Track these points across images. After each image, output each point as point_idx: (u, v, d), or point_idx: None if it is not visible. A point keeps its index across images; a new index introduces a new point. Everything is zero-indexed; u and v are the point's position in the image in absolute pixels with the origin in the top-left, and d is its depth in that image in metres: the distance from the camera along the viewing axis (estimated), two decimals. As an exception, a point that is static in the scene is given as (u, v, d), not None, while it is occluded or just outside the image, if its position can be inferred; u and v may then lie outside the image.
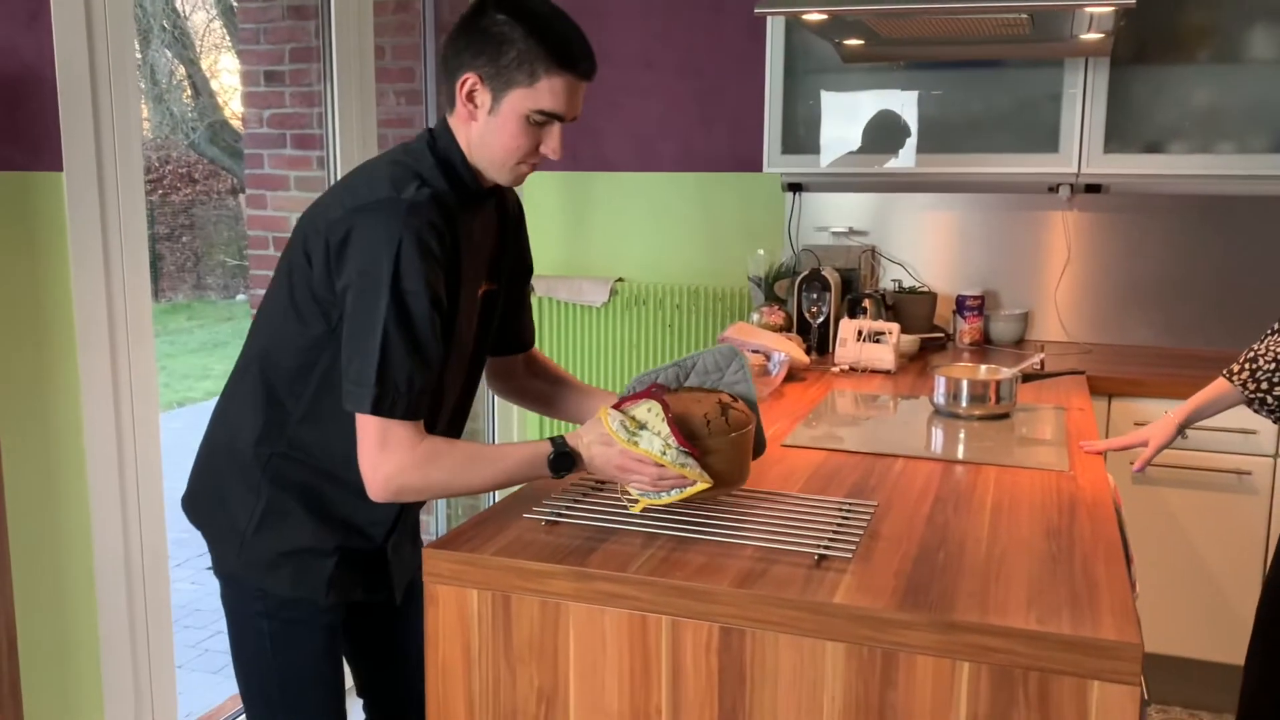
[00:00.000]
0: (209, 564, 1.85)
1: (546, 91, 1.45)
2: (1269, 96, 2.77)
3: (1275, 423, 1.83)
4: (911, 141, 3.05)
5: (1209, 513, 2.63)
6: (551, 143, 1.50)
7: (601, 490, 1.63)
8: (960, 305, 3.08)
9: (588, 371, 3.61)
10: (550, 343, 3.64)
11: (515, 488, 1.58)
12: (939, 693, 1.21)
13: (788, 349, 2.47)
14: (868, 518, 1.51)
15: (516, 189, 1.78)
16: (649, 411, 1.44)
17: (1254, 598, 2.62)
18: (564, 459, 1.46)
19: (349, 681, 1.75)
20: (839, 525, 1.47)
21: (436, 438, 1.43)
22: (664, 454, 1.40)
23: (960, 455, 1.87)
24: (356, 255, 1.40)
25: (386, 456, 1.40)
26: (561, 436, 1.49)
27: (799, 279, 2.91)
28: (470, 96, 1.47)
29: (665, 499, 1.44)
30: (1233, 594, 2.64)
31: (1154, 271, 3.07)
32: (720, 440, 1.42)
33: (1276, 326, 1.82)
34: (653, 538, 1.44)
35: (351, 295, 1.41)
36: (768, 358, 2.45)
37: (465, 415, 1.68)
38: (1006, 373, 2.20)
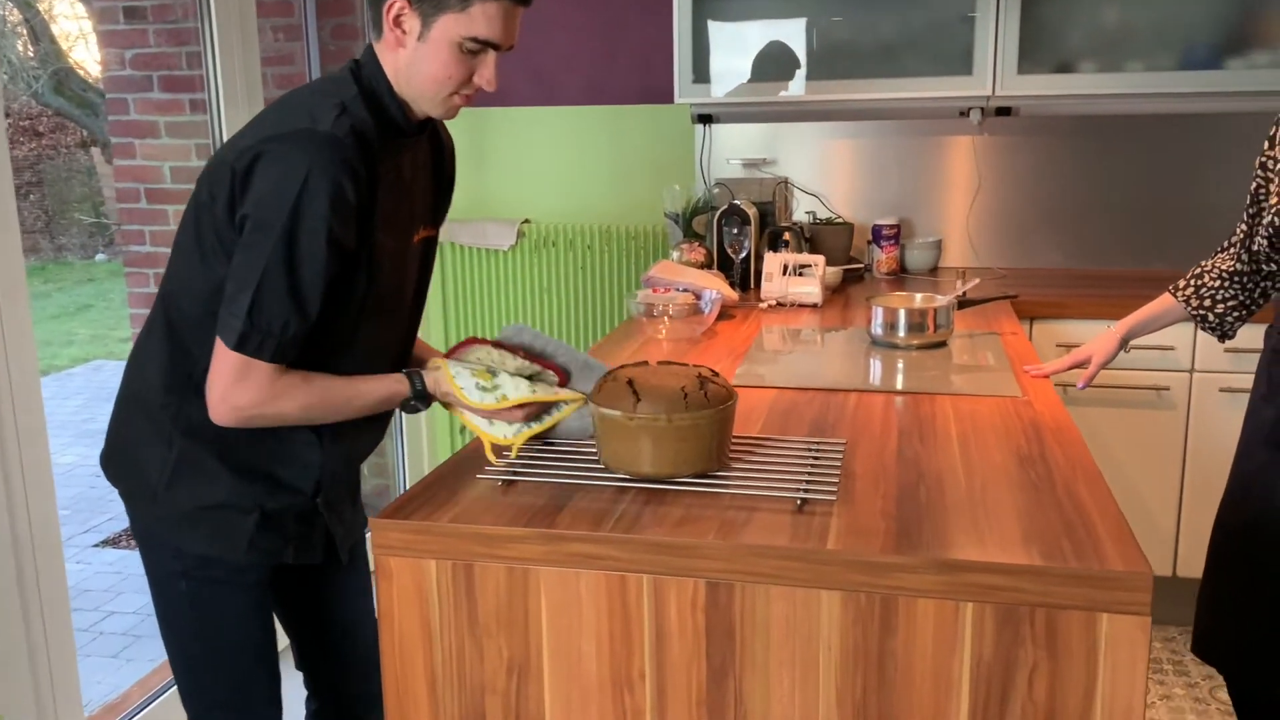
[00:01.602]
0: (97, 540, 1.70)
1: (480, 17, 1.31)
2: (1176, 15, 2.79)
3: (1220, 340, 1.83)
4: (823, 67, 2.97)
5: (1129, 430, 2.67)
6: (486, 73, 1.37)
7: (556, 442, 1.52)
8: (876, 235, 3.05)
9: (498, 319, 3.47)
10: (455, 291, 3.48)
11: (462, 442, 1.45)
12: (941, 636, 1.15)
13: (718, 286, 2.39)
14: (839, 457, 1.44)
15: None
16: (489, 355, 1.48)
17: (1173, 511, 2.69)
18: (421, 401, 1.45)
19: (285, 647, 1.62)
20: (812, 466, 1.40)
21: (294, 372, 1.36)
22: (533, 390, 1.43)
23: (912, 386, 1.82)
24: (259, 184, 1.29)
25: (241, 390, 1.32)
26: (420, 377, 1.45)
27: (718, 214, 2.82)
28: (397, 21, 1.32)
29: (540, 426, 1.48)
30: (1154, 507, 2.70)
31: (1064, 194, 3.09)
32: (699, 416, 1.32)
33: (1226, 244, 1.81)
34: (622, 492, 1.34)
35: (249, 225, 1.30)
36: (698, 296, 2.37)
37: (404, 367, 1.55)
38: (942, 300, 2.17)
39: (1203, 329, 1.83)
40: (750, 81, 3.00)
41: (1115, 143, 3.03)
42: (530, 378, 1.48)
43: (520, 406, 1.44)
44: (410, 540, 1.28)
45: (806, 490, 1.32)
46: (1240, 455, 1.74)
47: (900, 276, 3.06)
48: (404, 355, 1.57)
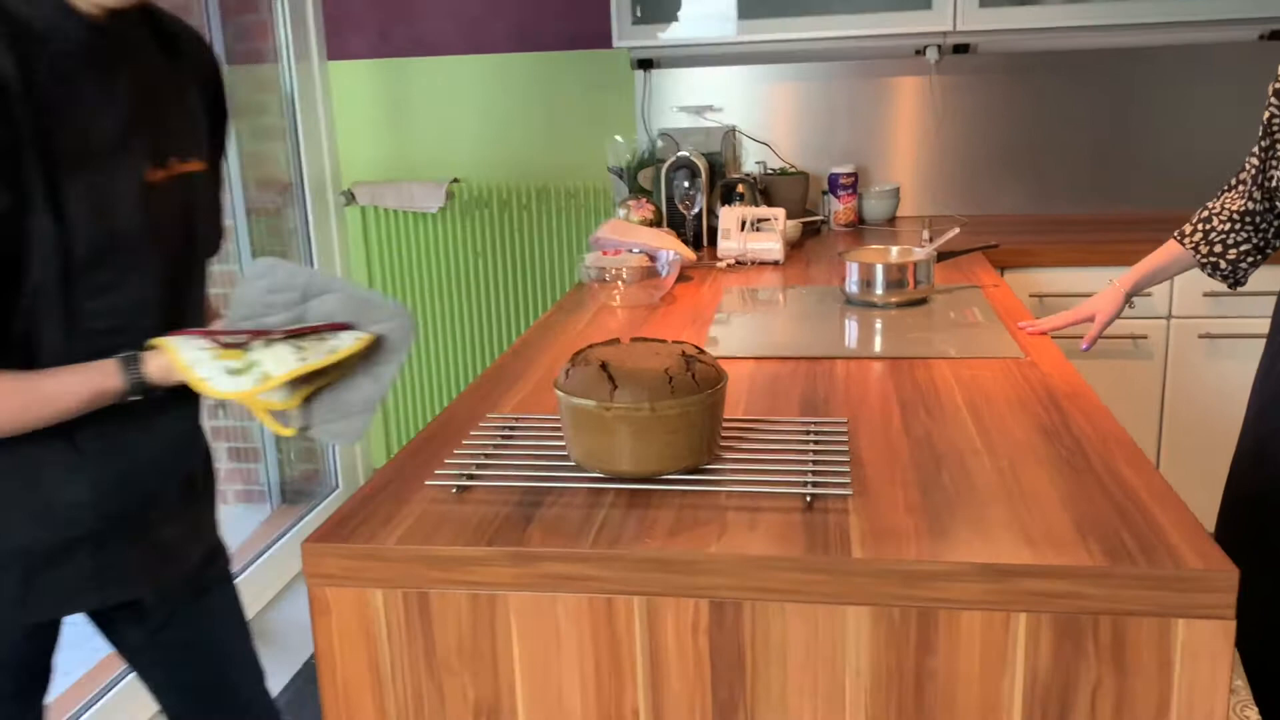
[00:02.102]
0: None
1: None
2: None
3: (1231, 287, 1.69)
4: (769, 4, 2.76)
5: (1104, 380, 2.55)
6: None
7: (515, 435, 1.32)
8: (833, 184, 2.87)
9: (429, 287, 3.22)
10: (382, 259, 3.23)
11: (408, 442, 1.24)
12: (990, 653, 0.98)
13: (674, 246, 2.19)
14: (844, 439, 1.26)
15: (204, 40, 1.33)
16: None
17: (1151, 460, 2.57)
18: (143, 395, 1.16)
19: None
20: (815, 453, 1.22)
21: None
22: (302, 357, 1.14)
23: (904, 350, 1.64)
24: None
25: None
26: (136, 365, 1.15)
27: (665, 167, 2.61)
28: None
29: (315, 363, 1.15)
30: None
31: (1026, 136, 2.94)
32: (688, 403, 1.12)
33: (1233, 182, 1.66)
34: (599, 494, 1.15)
35: None
36: (652, 258, 2.16)
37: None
38: (921, 253, 2.00)
39: (1213, 277, 1.69)
40: (693, 22, 2.77)
41: (1079, 79, 2.89)
42: (294, 335, 1.17)
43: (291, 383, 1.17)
44: (351, 567, 1.07)
45: (814, 483, 1.13)
46: (1255, 417, 1.60)
47: (858, 228, 2.89)
48: (176, 325, 1.24)
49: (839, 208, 2.86)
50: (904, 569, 0.98)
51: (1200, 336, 2.46)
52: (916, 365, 1.58)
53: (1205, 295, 2.44)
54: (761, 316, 1.92)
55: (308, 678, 2.40)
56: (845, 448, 1.23)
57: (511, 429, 1.35)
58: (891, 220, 2.93)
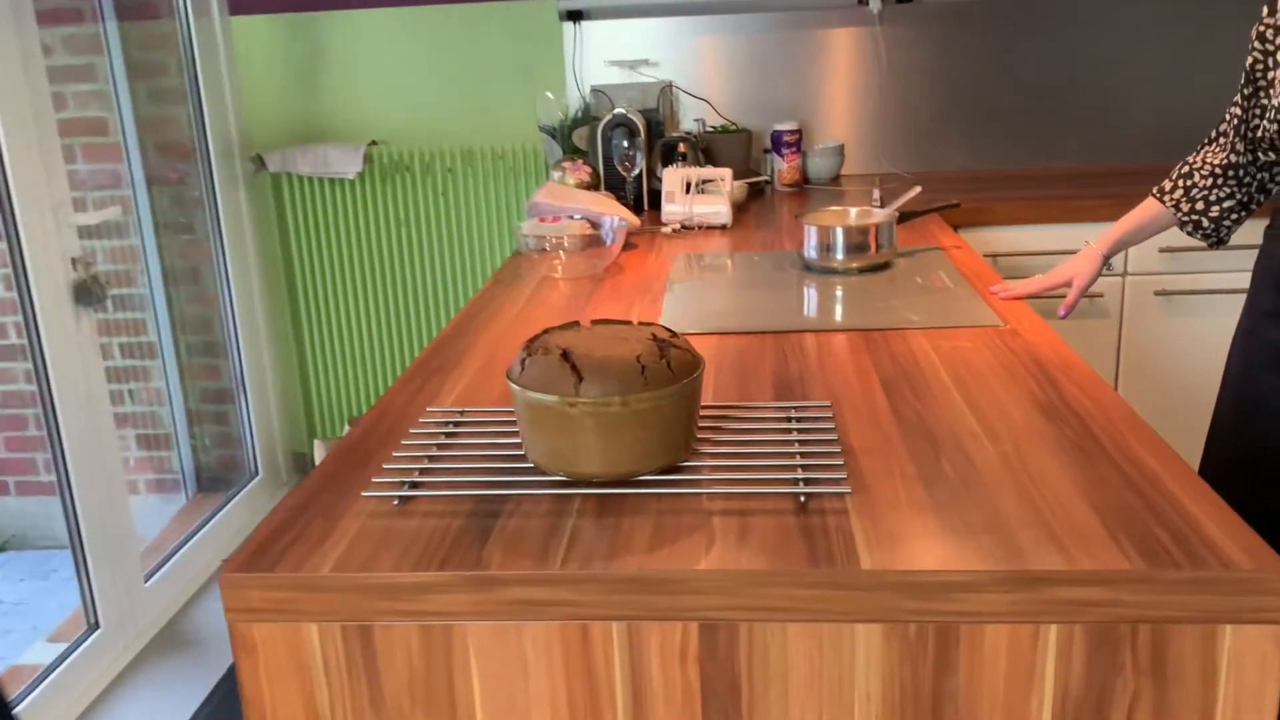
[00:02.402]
0: None
1: None
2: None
3: (1211, 246, 1.60)
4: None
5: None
6: None
7: (460, 431, 1.17)
8: (776, 142, 2.74)
9: (348, 259, 3.02)
10: (297, 229, 3.01)
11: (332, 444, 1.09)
12: (1016, 669, 0.88)
13: (619, 211, 2.04)
14: (830, 425, 1.14)
15: None
16: None
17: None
18: None
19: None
20: (801, 443, 1.10)
21: None
22: None
23: (875, 321, 1.53)
24: None
25: None
26: None
27: (602, 125, 2.45)
28: None
29: None
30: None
31: (974, 89, 2.84)
32: (664, 396, 0.99)
33: (1212, 135, 1.57)
34: (564, 501, 1.01)
35: None
36: (595, 225, 2.01)
37: None
38: (882, 215, 1.88)
39: (1193, 236, 1.60)
40: (626, -29, 2.61)
41: (1028, 29, 2.79)
42: None
43: None
44: (280, 600, 0.92)
45: (806, 480, 1.01)
46: (1239, 379, 1.53)
47: (803, 188, 2.77)
48: None
49: (783, 167, 2.74)
50: (921, 580, 0.86)
51: (1156, 294, 2.40)
52: (891, 337, 1.46)
53: (1161, 252, 2.37)
54: (716, 286, 1.79)
55: (229, 691, 2.23)
56: (834, 436, 1.10)
57: (456, 424, 1.20)
58: (836, 179, 2.82)
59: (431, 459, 1.11)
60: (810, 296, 1.70)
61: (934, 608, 0.87)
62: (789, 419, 1.16)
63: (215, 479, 3.23)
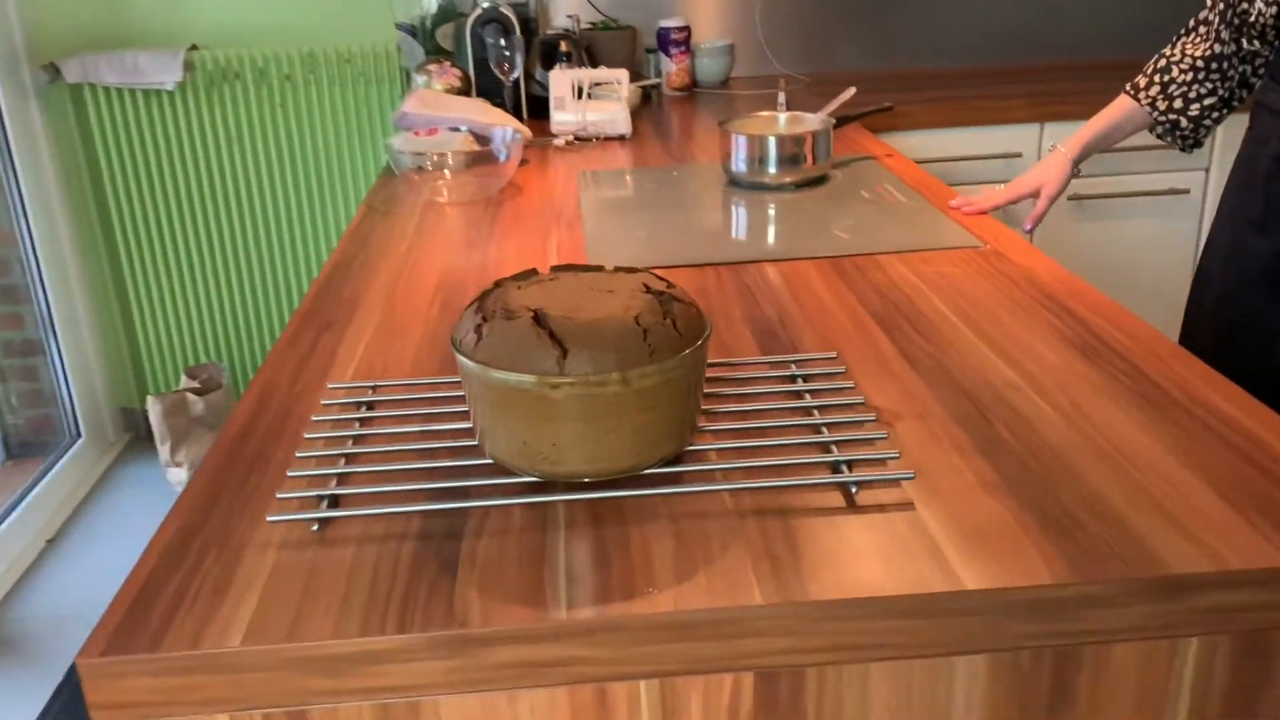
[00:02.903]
0: None
1: None
2: None
3: (1184, 149, 1.46)
4: None
5: (968, 253, 2.35)
6: None
7: (379, 416, 0.91)
8: (662, 42, 2.47)
9: (170, 184, 2.61)
10: (107, 151, 2.57)
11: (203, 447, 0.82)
12: (1148, 693, 0.70)
13: (507, 121, 1.76)
14: (847, 384, 0.93)
15: None
16: None
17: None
18: None
19: None
20: (819, 409, 0.88)
21: None
22: None
23: (840, 245, 1.32)
24: None
25: None
26: None
27: (471, 21, 2.14)
28: None
29: None
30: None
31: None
32: (673, 368, 0.75)
33: (1190, 24, 1.41)
34: (545, 512, 0.77)
35: None
36: (480, 138, 1.73)
37: None
38: (816, 121, 1.67)
39: (1165, 139, 1.46)
40: None
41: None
42: None
43: None
44: (173, 689, 0.65)
45: (845, 461, 0.80)
46: (1219, 297, 1.40)
47: (694, 92, 2.53)
48: None
49: (671, 69, 2.48)
50: (1045, 597, 0.67)
51: (1070, 199, 2.29)
52: (863, 265, 1.26)
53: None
54: (640, 209, 1.55)
55: (70, 702, 1.90)
56: (858, 398, 0.90)
57: (370, 405, 0.93)
58: (725, 82, 2.59)
59: (349, 458, 0.84)
60: (752, 218, 1.48)
61: (1054, 629, 0.68)
62: (794, 377, 0.95)
63: (27, 444, 2.81)
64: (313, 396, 0.97)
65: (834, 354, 0.99)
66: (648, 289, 0.80)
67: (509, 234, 1.45)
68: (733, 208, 1.53)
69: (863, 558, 0.70)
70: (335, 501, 0.78)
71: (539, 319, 0.75)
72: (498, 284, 0.83)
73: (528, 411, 0.75)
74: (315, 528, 0.76)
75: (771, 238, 1.39)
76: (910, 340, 1.03)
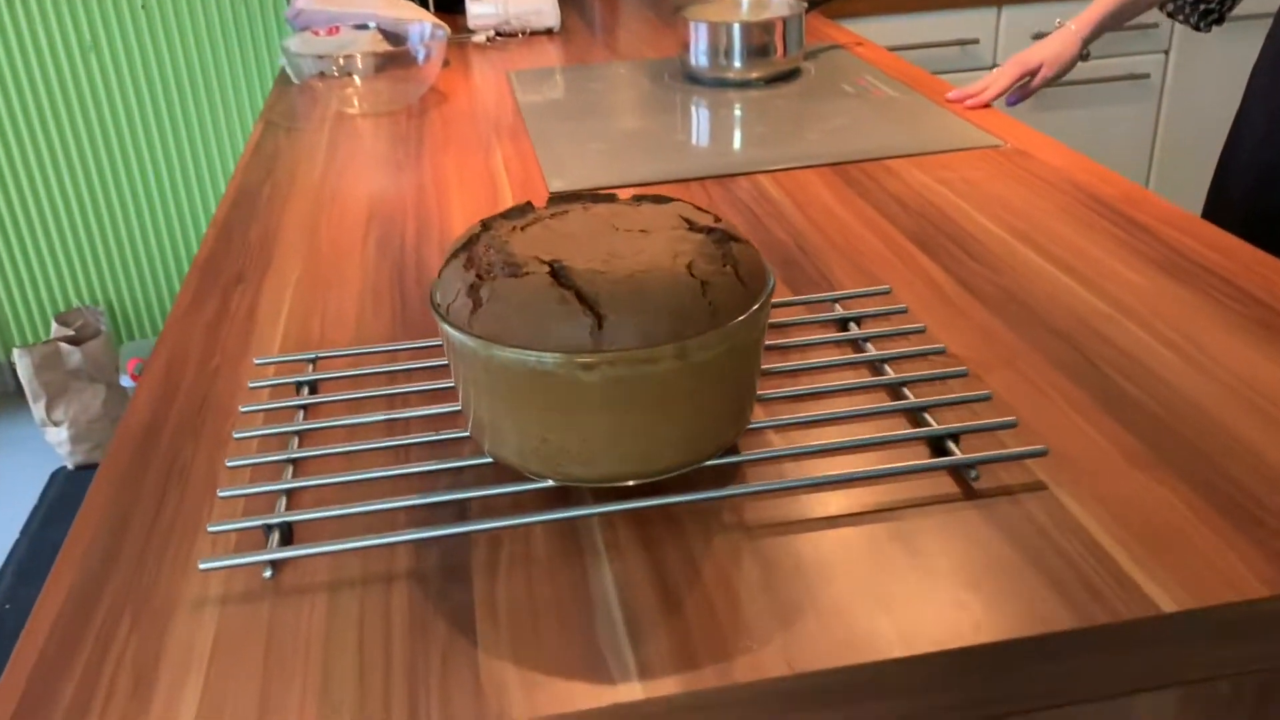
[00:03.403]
0: None
1: None
2: None
3: (1202, 28, 1.30)
4: None
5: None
6: None
7: (327, 401, 0.70)
8: (579, -78, 2.20)
9: (17, 100, 2.26)
10: (-65, 65, 2.20)
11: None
12: (1362, 716, 0.56)
13: (424, 17, 1.50)
14: (915, 327, 0.75)
15: None
16: None
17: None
18: None
19: None
20: (888, 361, 0.71)
21: None
22: None
23: (839, 149, 1.14)
24: None
25: None
26: None
27: (364, -99, 1.84)
28: None
29: None
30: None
31: None
32: (736, 334, 0.56)
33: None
34: (572, 529, 0.58)
35: None
36: (392, 36, 1.47)
37: None
38: (783, 4, 1.46)
39: (1178, 18, 1.30)
40: None
41: None
42: None
43: None
44: (81, 846, 0.45)
45: (949, 433, 0.63)
46: (1260, 143, 1.24)
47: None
48: None
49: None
50: (1251, 613, 0.51)
51: (1033, 37, 2.13)
52: (873, 172, 1.08)
53: (1034, 38, 2.10)
54: (592, 116, 1.33)
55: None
56: (938, 345, 0.72)
57: (312, 387, 0.72)
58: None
59: (297, 466, 0.64)
60: (726, 121, 1.28)
61: (1262, 650, 0.53)
62: (843, 321, 0.77)
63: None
64: (234, 376, 0.75)
65: (886, 288, 0.81)
66: (690, 224, 0.60)
67: (443, 150, 1.23)
68: (698, 109, 1.33)
69: (1012, 573, 0.53)
70: (289, 532, 0.58)
71: (559, 274, 0.55)
72: (486, 225, 0.62)
73: (549, 400, 0.55)
74: (268, 573, 0.55)
75: (756, 143, 1.19)
76: (963, 265, 0.86)
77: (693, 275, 0.55)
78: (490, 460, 0.61)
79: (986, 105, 1.27)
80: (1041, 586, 0.52)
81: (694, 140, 1.22)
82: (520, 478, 0.60)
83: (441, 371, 0.73)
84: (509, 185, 1.10)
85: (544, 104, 1.37)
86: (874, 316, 0.77)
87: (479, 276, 0.57)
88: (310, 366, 0.74)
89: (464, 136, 1.27)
